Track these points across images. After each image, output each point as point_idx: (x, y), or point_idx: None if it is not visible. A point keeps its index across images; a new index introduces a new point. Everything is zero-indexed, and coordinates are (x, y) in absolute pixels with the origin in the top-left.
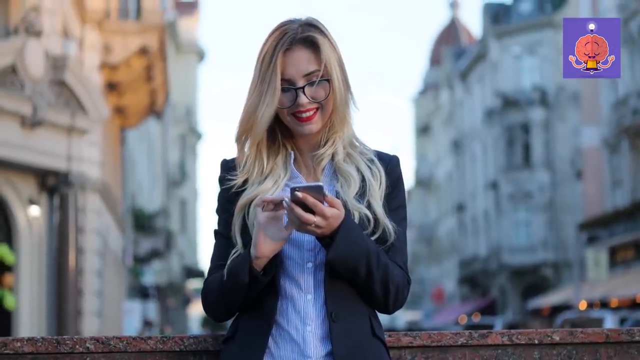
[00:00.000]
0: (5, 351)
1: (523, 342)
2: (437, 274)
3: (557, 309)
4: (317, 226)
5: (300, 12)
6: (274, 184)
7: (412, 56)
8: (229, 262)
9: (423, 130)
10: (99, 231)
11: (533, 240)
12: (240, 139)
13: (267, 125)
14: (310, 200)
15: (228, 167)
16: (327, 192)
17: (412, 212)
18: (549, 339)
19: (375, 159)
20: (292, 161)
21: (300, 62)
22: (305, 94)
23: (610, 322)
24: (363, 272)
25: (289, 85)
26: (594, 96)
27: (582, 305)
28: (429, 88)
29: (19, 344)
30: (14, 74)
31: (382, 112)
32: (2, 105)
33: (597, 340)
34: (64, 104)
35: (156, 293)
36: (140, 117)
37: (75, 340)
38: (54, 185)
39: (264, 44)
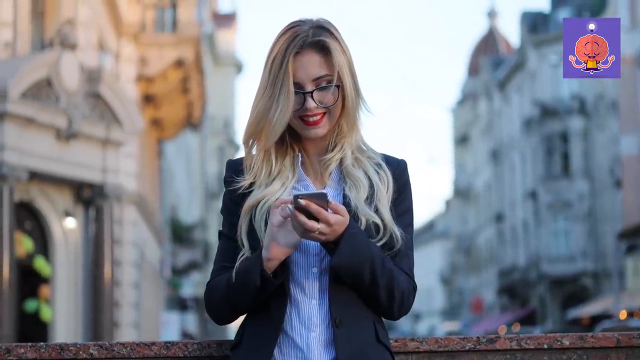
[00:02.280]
0: (9, 357)
1: (532, 347)
2: (476, 284)
3: (596, 319)
4: (321, 233)
5: (335, 22)
6: (281, 185)
7: (450, 66)
8: (237, 263)
9: (461, 140)
10: (135, 243)
11: (572, 250)
12: (248, 142)
13: (282, 130)
14: (314, 207)
15: (235, 168)
16: (331, 199)
17: (451, 222)
18: (559, 343)
19: (383, 164)
20: (299, 164)
21: (311, 66)
22: (313, 99)
23: None
24: (367, 278)
25: (297, 89)
26: (633, 104)
27: (622, 315)
28: (467, 98)
29: (22, 350)
30: (49, 86)
31: (421, 123)
32: (37, 118)
33: (608, 344)
34: (98, 117)
35: (195, 305)
36: (177, 129)
37: (78, 346)
38: (89, 197)
39: (274, 46)
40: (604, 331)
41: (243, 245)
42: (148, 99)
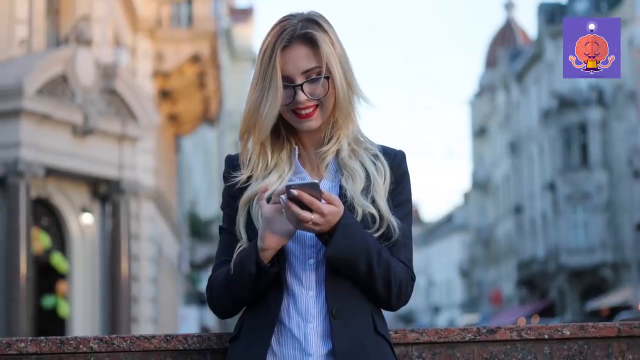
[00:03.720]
0: (10, 351)
1: (533, 337)
2: (495, 276)
3: (616, 310)
4: (315, 223)
5: (352, 20)
6: (278, 178)
7: (467, 59)
8: (235, 255)
9: (480, 132)
10: (152, 238)
11: (591, 241)
12: (244, 136)
13: (272, 124)
14: (306, 197)
15: (233, 163)
16: (323, 189)
17: (470, 214)
18: (559, 333)
19: (380, 154)
20: (296, 156)
21: (299, 59)
22: (303, 91)
23: None
24: (363, 269)
25: (287, 83)
26: None
27: None
28: (485, 90)
29: (23, 345)
30: (65, 83)
31: (439, 117)
32: (53, 115)
33: (609, 334)
34: (114, 112)
35: None
36: (194, 124)
37: (79, 340)
38: (106, 192)
39: (264, 40)
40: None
41: (241, 238)
42: (164, 95)
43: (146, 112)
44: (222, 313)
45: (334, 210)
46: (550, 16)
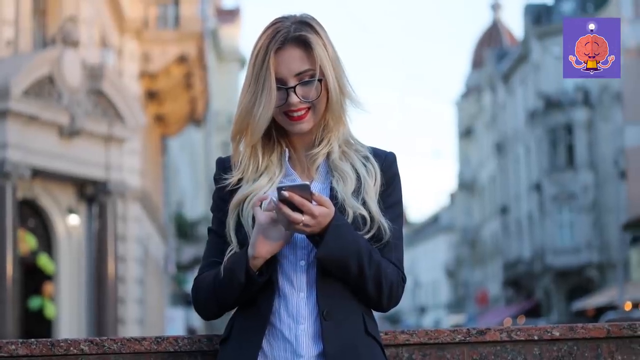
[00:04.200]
0: (0, 354)
1: (522, 339)
2: (481, 276)
3: (601, 310)
4: (306, 225)
5: (340, 20)
6: (268, 180)
7: (454, 60)
8: (225, 260)
9: (466, 133)
10: (139, 239)
11: (577, 242)
12: (235, 138)
13: (265, 126)
14: (297, 199)
15: (224, 165)
16: (314, 191)
17: (456, 215)
18: (549, 334)
19: (371, 156)
20: (286, 159)
21: (292, 61)
22: (296, 94)
23: None
24: (354, 270)
25: (280, 85)
26: (637, 95)
27: (627, 306)
28: (471, 91)
29: (13, 347)
30: (51, 84)
31: (426, 117)
32: (40, 116)
33: (599, 335)
34: (101, 113)
35: None
36: (181, 125)
37: (69, 342)
38: (92, 194)
39: (257, 42)
40: (610, 323)
41: (231, 241)
42: (151, 95)
43: (133, 113)
44: (207, 315)
45: (324, 211)
46: (537, 17)
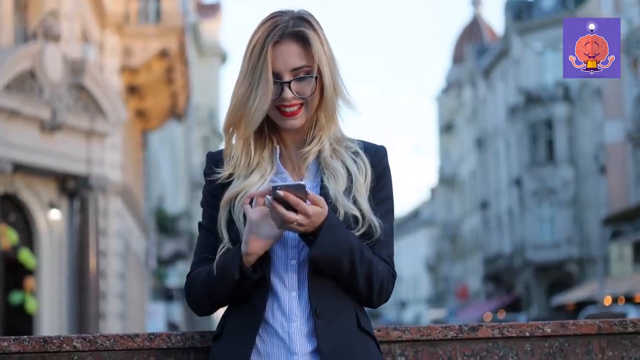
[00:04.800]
0: None
1: (514, 335)
2: (462, 271)
3: (582, 305)
4: (300, 224)
5: (321, 14)
6: (260, 177)
7: (434, 55)
8: (217, 257)
9: (446, 128)
10: (120, 233)
11: (557, 237)
12: (228, 131)
13: (261, 119)
14: (292, 198)
15: (215, 159)
16: (309, 191)
17: (436, 210)
18: (540, 331)
19: (361, 152)
20: (277, 156)
21: (289, 56)
22: (290, 89)
23: (633, 316)
24: (346, 269)
25: (275, 79)
26: (617, 90)
27: (607, 301)
28: (452, 86)
29: (5, 344)
30: (33, 78)
31: (406, 113)
32: (21, 110)
33: (590, 332)
34: (82, 108)
35: (180, 295)
36: (162, 120)
37: (62, 339)
38: (74, 188)
39: (254, 35)
40: (588, 317)
41: (223, 238)
42: (132, 90)
43: (115, 107)
44: (200, 311)
45: (318, 211)
46: (517, 13)
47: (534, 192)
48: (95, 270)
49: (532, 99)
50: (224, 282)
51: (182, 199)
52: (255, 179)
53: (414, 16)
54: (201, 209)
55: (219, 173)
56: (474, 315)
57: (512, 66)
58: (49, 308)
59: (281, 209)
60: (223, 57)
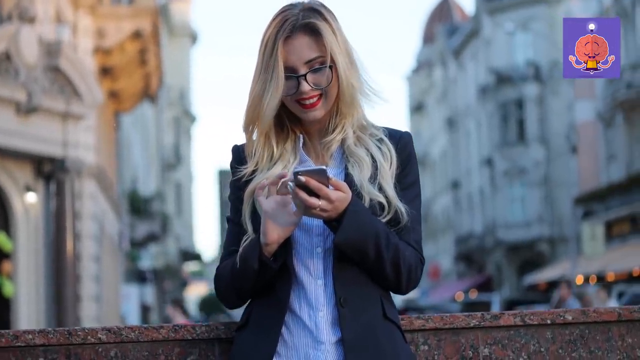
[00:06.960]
0: (17, 343)
1: (535, 323)
2: (433, 251)
3: (553, 284)
4: (323, 210)
5: None
6: (283, 168)
7: (405, 35)
8: (240, 249)
9: (417, 108)
10: (95, 216)
11: (528, 216)
12: (248, 128)
13: (273, 114)
14: (314, 183)
15: (239, 154)
16: (331, 176)
17: None
18: (562, 318)
19: (385, 138)
20: (300, 145)
21: (302, 49)
22: (307, 81)
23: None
24: (372, 254)
25: (291, 74)
26: None
27: (579, 280)
28: (422, 66)
29: (30, 336)
30: (8, 60)
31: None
32: None
33: (609, 319)
34: (58, 90)
35: (153, 277)
36: (135, 101)
37: (87, 331)
38: (50, 171)
39: (266, 31)
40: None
41: (247, 229)
42: (105, 72)
43: (90, 89)
44: (229, 304)
45: (341, 196)
46: None
47: (505, 171)
48: (72, 253)
49: (502, 79)
50: (245, 273)
51: (153, 180)
52: (278, 170)
53: None
54: (228, 203)
55: (242, 170)
56: (445, 295)
57: (483, 46)
58: (26, 292)
59: (303, 195)
60: (194, 38)
